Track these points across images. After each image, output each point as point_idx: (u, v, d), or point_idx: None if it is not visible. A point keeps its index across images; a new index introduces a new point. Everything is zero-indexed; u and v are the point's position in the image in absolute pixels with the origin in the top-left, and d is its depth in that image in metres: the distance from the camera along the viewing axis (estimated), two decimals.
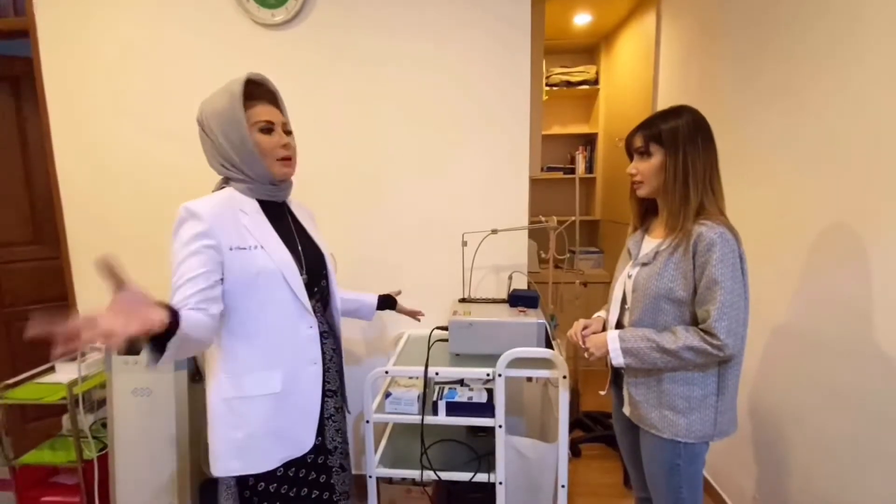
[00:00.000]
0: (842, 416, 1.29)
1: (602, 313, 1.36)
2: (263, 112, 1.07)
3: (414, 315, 1.67)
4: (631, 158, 1.21)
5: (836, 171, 1.30)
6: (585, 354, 1.21)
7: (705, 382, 1.12)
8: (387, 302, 1.60)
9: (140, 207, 1.97)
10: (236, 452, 1.05)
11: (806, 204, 1.42)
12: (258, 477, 1.07)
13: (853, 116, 1.24)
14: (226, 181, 1.12)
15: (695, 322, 1.11)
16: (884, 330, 1.16)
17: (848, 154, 1.26)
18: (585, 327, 1.29)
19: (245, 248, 1.03)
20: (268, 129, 1.07)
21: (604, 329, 1.28)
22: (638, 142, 1.16)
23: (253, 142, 1.04)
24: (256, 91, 1.08)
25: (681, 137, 1.10)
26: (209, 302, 0.96)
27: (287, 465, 1.10)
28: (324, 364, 1.16)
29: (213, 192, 1.12)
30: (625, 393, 1.24)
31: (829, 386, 1.34)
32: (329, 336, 1.22)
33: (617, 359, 1.15)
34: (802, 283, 1.43)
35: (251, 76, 1.06)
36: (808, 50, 1.40)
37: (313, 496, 1.15)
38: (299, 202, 1.26)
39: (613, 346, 1.15)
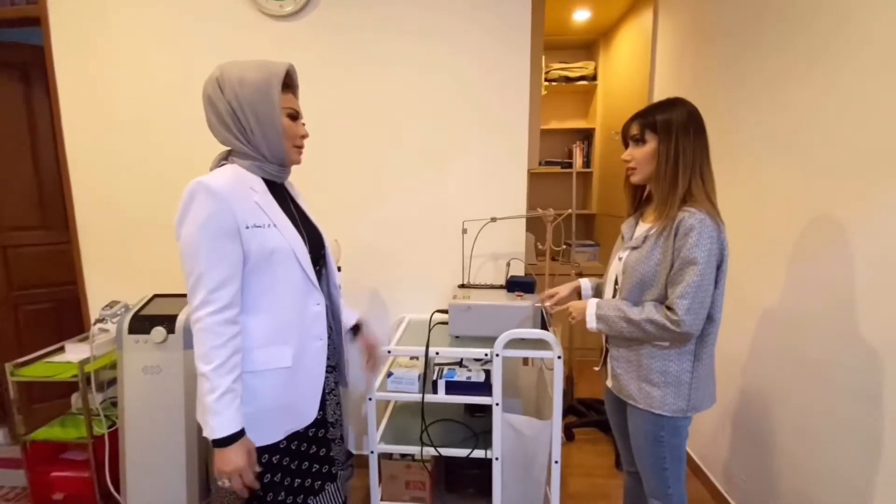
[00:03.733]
0: (823, 395, 1.37)
1: (584, 280, 1.47)
2: (292, 101, 1.11)
3: (372, 354, 1.40)
4: (626, 147, 1.27)
5: (822, 164, 1.36)
6: (569, 318, 1.33)
7: (681, 359, 1.19)
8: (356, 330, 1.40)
9: (149, 192, 2.03)
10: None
11: (793, 194, 1.48)
12: (262, 449, 1.09)
13: (839, 111, 1.30)
14: (224, 158, 1.12)
15: None
16: (864, 312, 1.23)
17: (833, 147, 1.33)
18: (551, 296, 1.46)
19: (261, 227, 1.04)
20: (294, 116, 1.11)
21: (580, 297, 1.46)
22: (634, 129, 1.23)
23: (281, 123, 1.07)
24: (287, 80, 1.10)
25: (674, 126, 1.17)
26: (237, 284, 1.03)
27: (290, 439, 1.13)
28: None
29: (211, 169, 1.11)
30: (608, 367, 1.33)
31: (812, 367, 1.41)
32: (328, 313, 1.24)
33: (591, 323, 1.26)
34: (789, 270, 1.50)
35: (289, 67, 1.09)
36: (797, 48, 1.47)
37: (314, 469, 1.19)
38: (290, 182, 1.28)
39: (590, 311, 1.26)
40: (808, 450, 1.42)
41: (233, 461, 0.99)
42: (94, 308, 2.11)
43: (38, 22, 1.98)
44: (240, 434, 1.00)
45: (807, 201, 1.42)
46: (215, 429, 0.98)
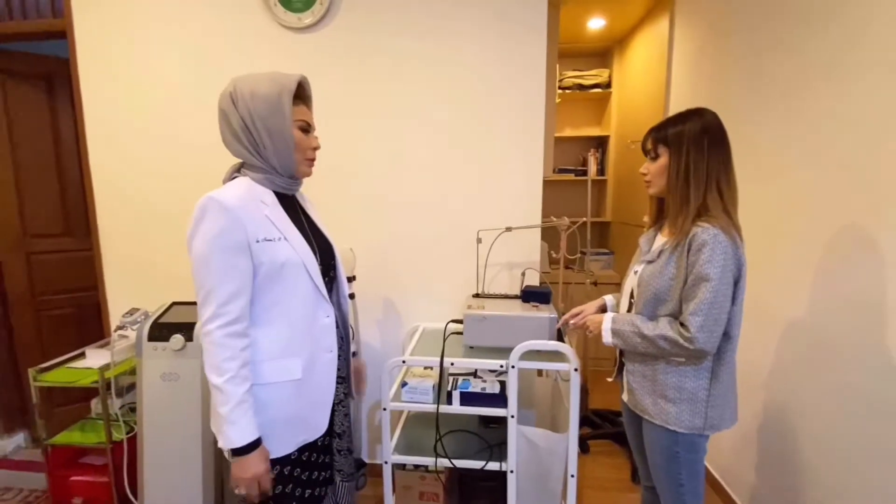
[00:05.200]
0: (850, 413, 1.33)
1: (608, 297, 1.45)
2: (304, 113, 1.12)
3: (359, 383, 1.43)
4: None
5: (848, 171, 1.33)
6: (587, 332, 1.35)
7: (697, 375, 1.17)
8: None
9: (169, 201, 2.06)
10: None
11: (817, 204, 1.45)
12: (274, 461, 1.09)
13: (864, 116, 1.28)
14: (237, 171, 1.13)
15: None
16: (894, 325, 1.19)
17: (859, 154, 1.30)
18: (576, 315, 1.43)
19: (271, 240, 1.05)
20: (305, 128, 1.12)
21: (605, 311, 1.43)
22: (648, 144, 1.23)
23: (292, 136, 1.07)
24: (300, 92, 1.11)
25: (686, 140, 1.15)
26: (247, 297, 1.04)
27: (301, 450, 1.13)
28: None
29: (224, 180, 1.13)
30: (624, 380, 1.32)
31: (839, 383, 1.37)
32: (338, 324, 1.24)
33: (606, 337, 1.26)
34: (815, 282, 1.47)
35: (301, 78, 1.10)
36: (817, 52, 1.44)
37: (320, 478, 1.19)
38: (305, 195, 1.28)
39: (606, 325, 1.26)
40: (834, 467, 1.38)
41: (251, 469, 1.01)
42: (115, 314, 2.15)
43: (63, 35, 2.04)
44: (257, 442, 1.02)
45: (833, 210, 1.39)
46: (233, 439, 0.99)
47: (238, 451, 1.00)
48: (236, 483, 1.03)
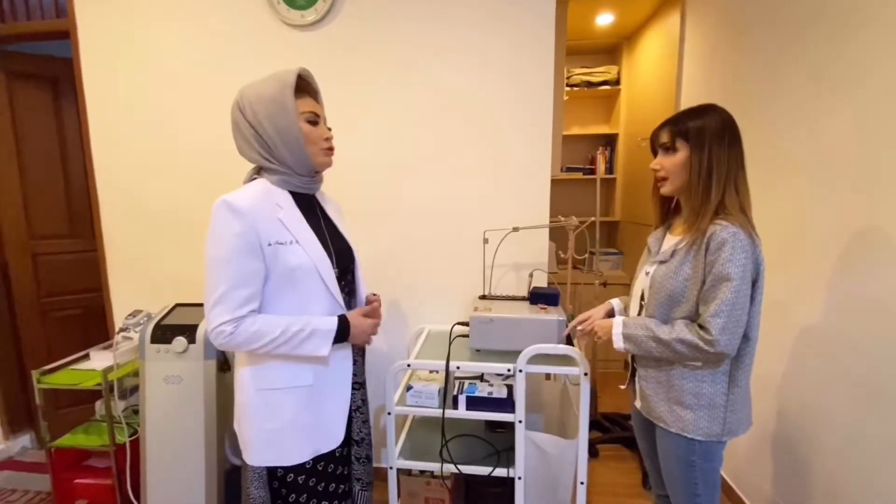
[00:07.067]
0: (870, 417, 1.28)
1: (615, 301, 1.40)
2: (310, 104, 1.10)
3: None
4: (655, 154, 1.21)
5: (867, 172, 1.28)
6: (595, 338, 1.29)
7: (715, 380, 1.12)
8: None
9: (173, 203, 2.04)
10: (269, 443, 1.07)
11: (836, 205, 1.40)
12: (288, 468, 1.09)
13: (885, 116, 1.22)
14: (257, 172, 1.13)
15: None
16: None
17: (880, 155, 1.24)
18: (583, 321, 1.38)
19: (283, 244, 1.04)
20: (314, 120, 1.10)
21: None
22: (664, 137, 1.16)
23: (300, 130, 1.06)
24: (303, 85, 1.10)
25: (707, 135, 1.10)
26: (258, 301, 1.04)
27: (316, 459, 1.12)
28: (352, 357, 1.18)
29: (244, 183, 1.12)
30: (637, 387, 1.27)
31: (858, 387, 1.32)
32: None
33: (617, 343, 1.20)
34: (833, 285, 1.42)
35: (301, 71, 1.09)
36: (837, 50, 1.39)
37: (333, 489, 1.17)
38: (326, 195, 1.28)
39: (616, 330, 1.21)
40: (854, 476, 1.33)
41: (361, 334, 1.15)
42: (119, 315, 2.14)
43: (67, 35, 2.03)
44: (339, 321, 1.10)
45: (852, 210, 1.34)
46: (325, 344, 1.07)
47: (341, 338, 1.10)
48: (366, 343, 1.20)
